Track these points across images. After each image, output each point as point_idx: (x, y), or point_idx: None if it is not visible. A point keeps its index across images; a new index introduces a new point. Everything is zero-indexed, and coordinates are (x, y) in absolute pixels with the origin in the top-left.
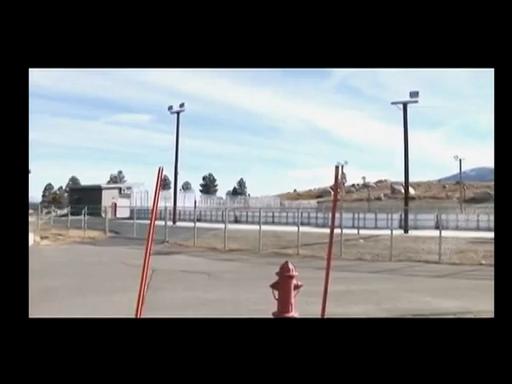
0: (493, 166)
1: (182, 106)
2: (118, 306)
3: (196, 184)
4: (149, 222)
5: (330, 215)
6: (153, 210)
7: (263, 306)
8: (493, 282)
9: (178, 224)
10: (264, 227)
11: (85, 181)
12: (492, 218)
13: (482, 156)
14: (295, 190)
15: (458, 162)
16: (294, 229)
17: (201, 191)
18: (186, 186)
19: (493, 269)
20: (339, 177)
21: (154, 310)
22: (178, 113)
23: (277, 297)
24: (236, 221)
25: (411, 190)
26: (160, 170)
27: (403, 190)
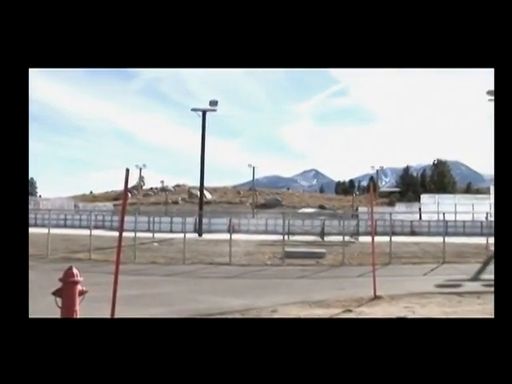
0: (282, 175)
1: None
2: None
3: None
4: None
5: (124, 218)
6: None
7: (49, 316)
8: (275, 281)
9: None
10: (55, 230)
11: None
12: (278, 222)
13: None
14: (91, 192)
15: (252, 170)
16: (88, 232)
17: None
18: None
19: (276, 268)
20: (136, 180)
21: None
22: None
23: (60, 304)
24: None
25: (208, 195)
26: None
27: None
